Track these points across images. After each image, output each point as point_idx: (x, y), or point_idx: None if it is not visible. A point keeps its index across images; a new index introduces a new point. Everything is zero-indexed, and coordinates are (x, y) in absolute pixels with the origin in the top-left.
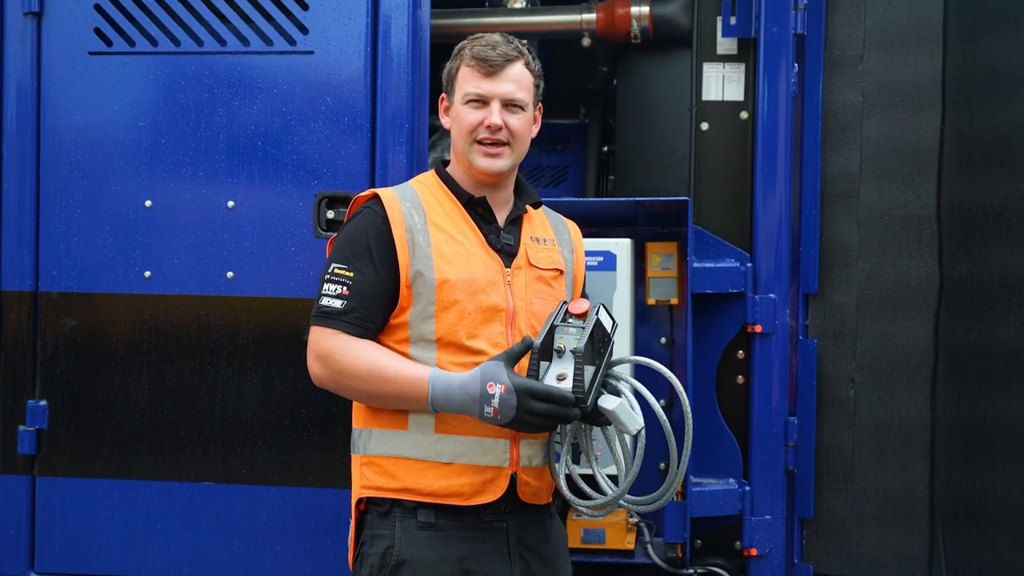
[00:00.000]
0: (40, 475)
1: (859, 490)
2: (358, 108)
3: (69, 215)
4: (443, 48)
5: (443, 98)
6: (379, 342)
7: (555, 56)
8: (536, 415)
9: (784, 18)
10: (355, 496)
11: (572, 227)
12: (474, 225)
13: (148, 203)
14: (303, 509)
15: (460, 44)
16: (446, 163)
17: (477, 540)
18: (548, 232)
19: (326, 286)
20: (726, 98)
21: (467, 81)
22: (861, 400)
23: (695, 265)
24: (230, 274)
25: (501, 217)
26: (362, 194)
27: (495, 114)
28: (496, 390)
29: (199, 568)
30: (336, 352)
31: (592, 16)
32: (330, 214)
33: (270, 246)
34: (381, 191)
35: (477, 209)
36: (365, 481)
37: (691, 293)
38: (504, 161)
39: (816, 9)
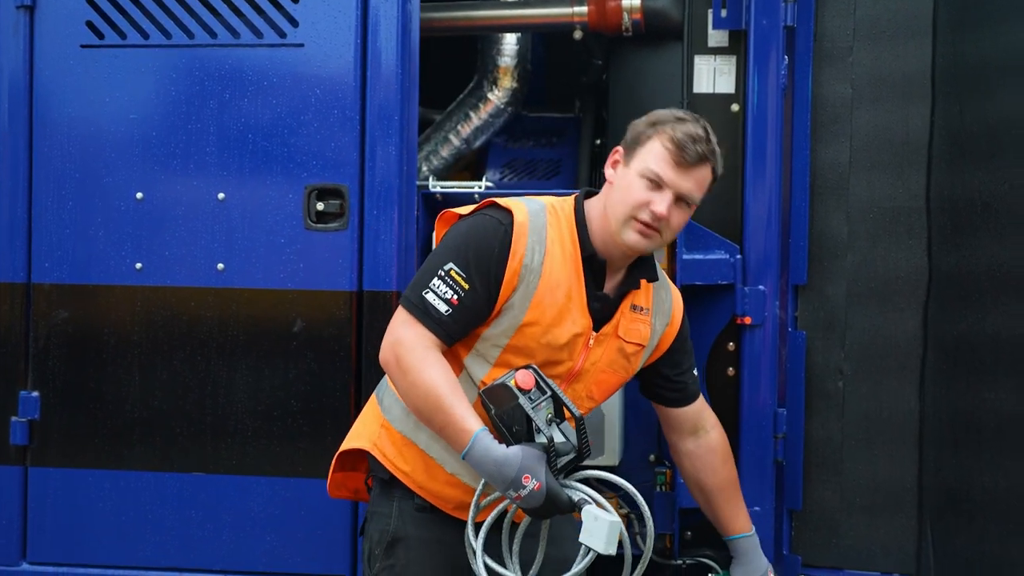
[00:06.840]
0: (32, 466)
1: (848, 481)
2: (348, 100)
3: (61, 207)
4: (433, 41)
5: (617, 150)
6: None
7: (550, 49)
8: (547, 515)
9: (774, 10)
10: (366, 444)
11: (675, 294)
12: (583, 281)
13: (139, 195)
14: (293, 499)
15: (660, 115)
16: (590, 194)
17: None
18: (648, 300)
19: (437, 281)
20: (717, 91)
21: (655, 160)
22: (850, 391)
23: (684, 257)
24: (220, 266)
25: (613, 280)
26: (501, 200)
27: (664, 204)
28: (530, 484)
29: (190, 558)
30: (414, 349)
31: (583, 9)
32: (320, 206)
33: (260, 238)
34: (518, 212)
35: (593, 266)
36: (378, 440)
37: (680, 285)
38: (651, 244)
39: (806, 1)
